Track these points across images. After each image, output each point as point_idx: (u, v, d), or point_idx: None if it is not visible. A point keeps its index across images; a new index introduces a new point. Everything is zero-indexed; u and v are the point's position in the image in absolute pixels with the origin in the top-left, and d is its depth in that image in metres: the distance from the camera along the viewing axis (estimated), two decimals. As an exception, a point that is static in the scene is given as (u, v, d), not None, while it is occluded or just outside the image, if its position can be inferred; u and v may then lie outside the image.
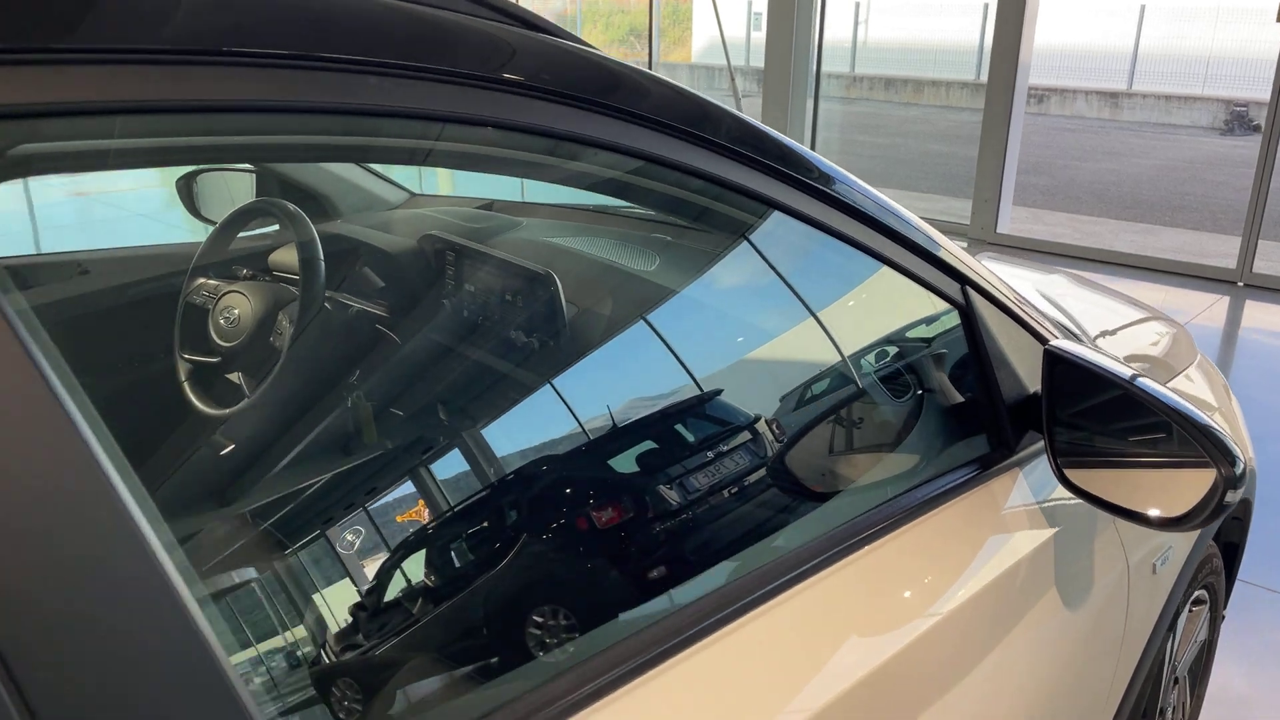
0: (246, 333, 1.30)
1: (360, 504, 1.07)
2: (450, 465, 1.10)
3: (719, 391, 1.16)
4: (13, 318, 0.47)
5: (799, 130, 7.28)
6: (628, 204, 1.44)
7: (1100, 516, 1.14)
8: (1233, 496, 0.95)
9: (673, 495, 1.06)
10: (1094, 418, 1.06)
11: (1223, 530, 1.75)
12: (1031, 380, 1.16)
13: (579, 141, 0.79)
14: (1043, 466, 1.15)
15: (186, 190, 1.78)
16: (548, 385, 1.23)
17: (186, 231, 1.85)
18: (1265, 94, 5.58)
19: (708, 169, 0.86)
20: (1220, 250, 6.82)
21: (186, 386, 1.31)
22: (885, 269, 1.04)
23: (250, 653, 0.94)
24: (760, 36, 8.37)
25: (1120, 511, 1.03)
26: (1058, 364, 1.08)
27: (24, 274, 1.52)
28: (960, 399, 1.20)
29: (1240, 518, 1.80)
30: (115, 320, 1.47)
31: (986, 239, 6.49)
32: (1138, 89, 17.26)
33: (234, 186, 1.76)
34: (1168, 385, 1.07)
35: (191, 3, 0.58)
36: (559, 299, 1.20)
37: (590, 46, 0.84)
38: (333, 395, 1.23)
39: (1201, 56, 17.34)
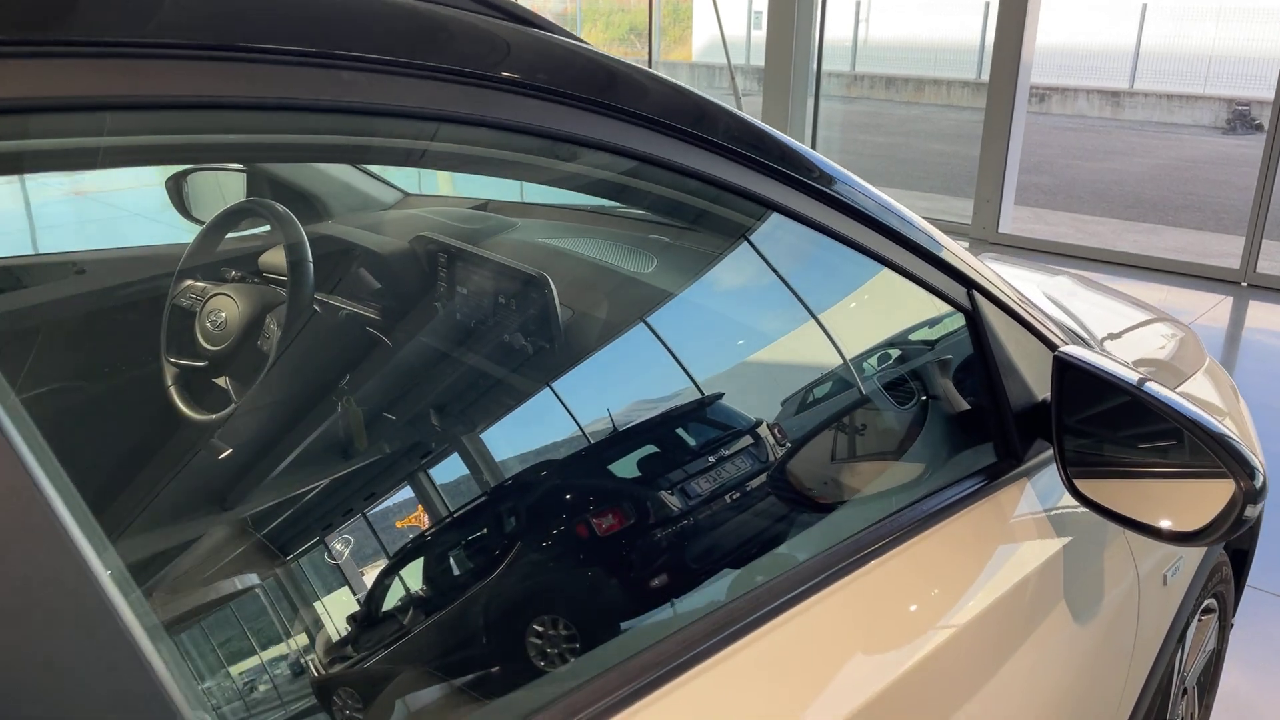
0: (233, 336, 1.28)
1: (347, 512, 1.05)
2: (440, 473, 1.07)
3: (717, 398, 1.12)
4: None
5: (799, 129, 7.25)
6: (624, 205, 1.41)
7: (1110, 527, 1.11)
8: (1252, 511, 0.92)
9: (669, 507, 1.03)
10: (1106, 427, 1.03)
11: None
12: (1039, 387, 1.12)
13: (574, 141, 0.76)
14: (1050, 476, 1.12)
15: (176, 190, 1.75)
16: (540, 390, 1.20)
17: (178, 231, 1.81)
18: (1267, 93, 5.55)
19: (706, 170, 0.83)
20: (1223, 250, 6.79)
21: (173, 391, 1.28)
22: (888, 271, 1.01)
23: (229, 663, 0.91)
24: (761, 35, 8.35)
25: (1134, 525, 1.00)
26: (1068, 371, 1.05)
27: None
28: (966, 406, 1.17)
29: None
30: (100, 322, 1.44)
31: (988, 239, 6.46)
32: (1139, 88, 17.23)
33: (225, 186, 1.73)
34: (1178, 391, 1.04)
35: None
36: (553, 301, 1.17)
37: (585, 43, 0.81)
38: (321, 400, 1.20)
39: (1203, 55, 17.31)
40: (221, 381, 1.29)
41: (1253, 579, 2.54)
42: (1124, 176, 11.16)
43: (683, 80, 1.04)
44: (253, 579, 0.99)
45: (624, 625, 0.96)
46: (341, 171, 1.68)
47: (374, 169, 1.75)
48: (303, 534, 1.04)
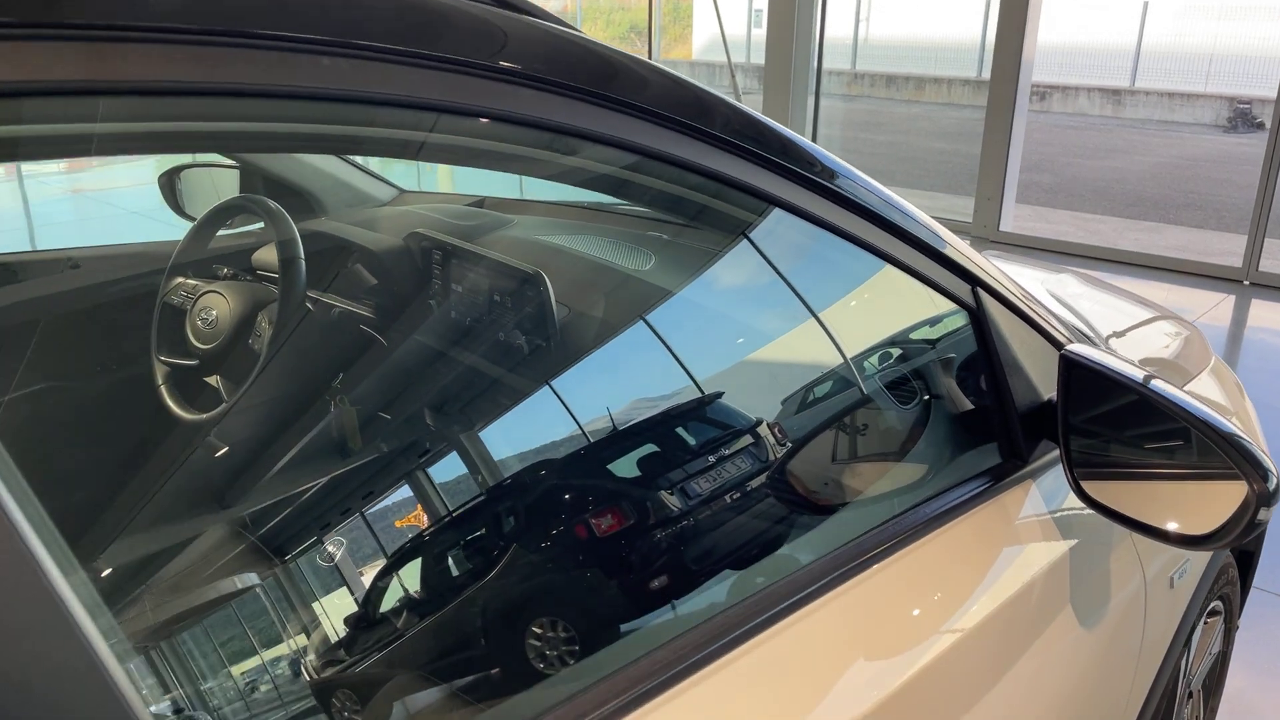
0: (224, 335, 1.26)
1: (340, 513, 1.03)
2: (432, 474, 1.05)
3: (717, 397, 1.10)
4: None
5: (800, 127, 7.23)
6: (622, 201, 1.39)
7: (1116, 529, 1.09)
8: (1266, 515, 0.89)
9: (667, 508, 1.01)
10: (1113, 427, 1.01)
11: (1238, 538, 1.69)
12: (1045, 387, 1.10)
13: (570, 133, 0.74)
14: (1056, 477, 1.10)
15: (169, 187, 1.73)
16: (535, 389, 1.19)
17: (175, 231, 1.79)
18: (1268, 91, 5.53)
19: (706, 163, 0.81)
20: (1225, 249, 6.77)
21: (163, 390, 1.26)
22: (890, 267, 0.99)
23: (220, 666, 0.89)
24: (761, 33, 8.32)
25: (1142, 528, 0.98)
26: (1075, 370, 1.02)
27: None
28: (970, 406, 1.15)
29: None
30: (90, 320, 1.42)
31: (989, 237, 6.44)
32: (1140, 86, 17.20)
33: (219, 182, 1.71)
34: (1185, 390, 1.02)
35: None
36: (549, 299, 1.15)
37: (581, 33, 0.79)
38: (313, 399, 1.18)
39: (1204, 53, 17.28)
40: (212, 380, 1.27)
41: (1258, 581, 2.52)
42: (1125, 175, 11.13)
43: (682, 76, 1.02)
44: (244, 581, 0.97)
45: (621, 629, 0.94)
46: (337, 168, 1.66)
47: (370, 167, 1.73)
48: (294, 535, 1.03)
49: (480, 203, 1.61)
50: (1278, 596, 2.59)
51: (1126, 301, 1.88)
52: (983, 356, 1.08)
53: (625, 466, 1.07)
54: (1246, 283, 5.63)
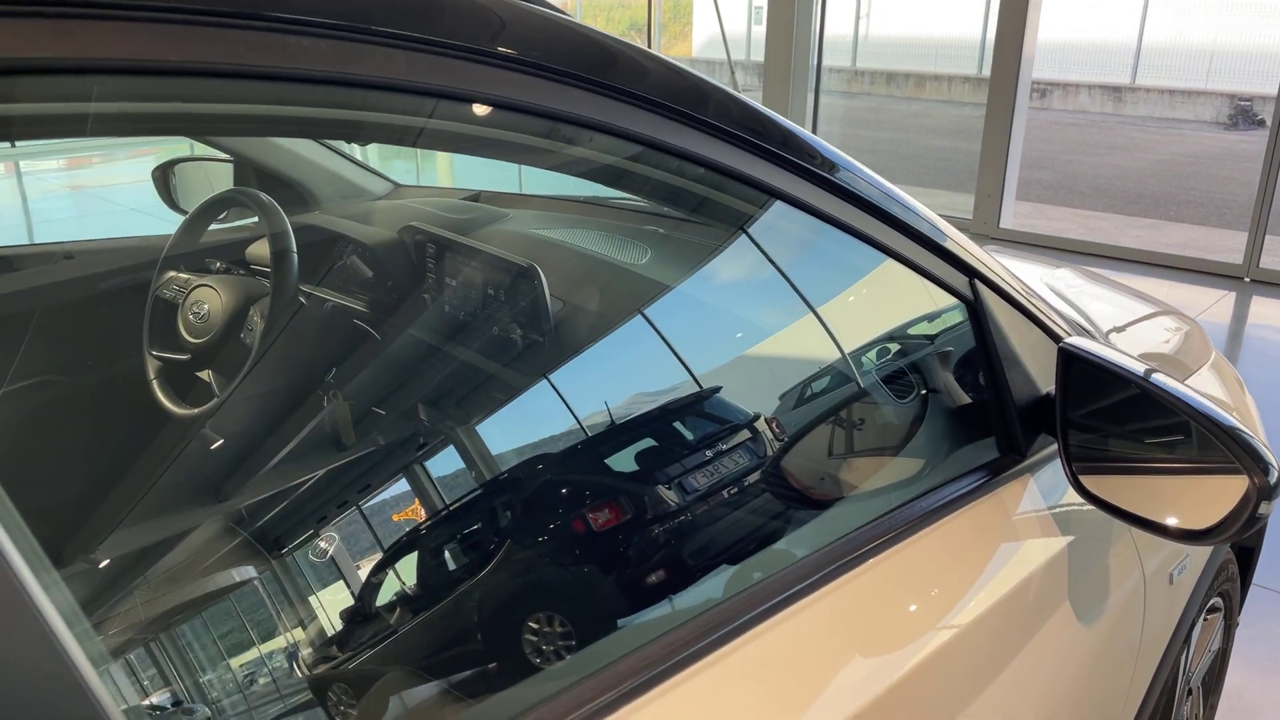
0: (216, 329, 1.25)
1: (333, 508, 1.02)
2: (427, 468, 1.04)
3: (714, 391, 1.09)
4: None
5: (800, 124, 7.19)
6: (619, 193, 1.38)
7: (1116, 524, 1.08)
8: (1267, 509, 0.88)
9: (663, 502, 1.00)
10: (1112, 421, 1.00)
11: (1238, 535, 1.68)
12: (1043, 380, 1.09)
13: (567, 121, 0.73)
14: (1055, 472, 1.09)
15: (163, 180, 1.72)
16: (530, 383, 1.18)
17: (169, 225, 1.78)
18: (1269, 88, 5.52)
19: (704, 153, 0.80)
20: (1226, 245, 6.76)
21: (155, 385, 1.25)
22: (889, 261, 0.98)
23: (212, 661, 0.89)
24: (761, 31, 8.31)
25: (1141, 523, 0.97)
26: (1073, 363, 1.01)
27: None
28: (968, 400, 1.14)
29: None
30: (81, 314, 1.41)
31: (990, 234, 6.44)
32: (1141, 83, 17.18)
33: (213, 176, 1.70)
34: (1186, 384, 1.01)
35: None
36: (543, 293, 1.14)
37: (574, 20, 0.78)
38: (306, 394, 1.17)
39: (1205, 50, 17.25)
40: (204, 375, 1.26)
41: (1258, 577, 2.51)
42: (1126, 172, 11.12)
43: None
44: (237, 575, 0.96)
45: (617, 622, 0.93)
46: (331, 162, 1.65)
47: (369, 163, 1.72)
48: (288, 530, 1.02)
49: (476, 198, 1.60)
50: (1278, 593, 2.58)
51: (1126, 296, 1.87)
52: (981, 350, 1.07)
53: (621, 461, 1.06)
54: (1247, 280, 5.62)
